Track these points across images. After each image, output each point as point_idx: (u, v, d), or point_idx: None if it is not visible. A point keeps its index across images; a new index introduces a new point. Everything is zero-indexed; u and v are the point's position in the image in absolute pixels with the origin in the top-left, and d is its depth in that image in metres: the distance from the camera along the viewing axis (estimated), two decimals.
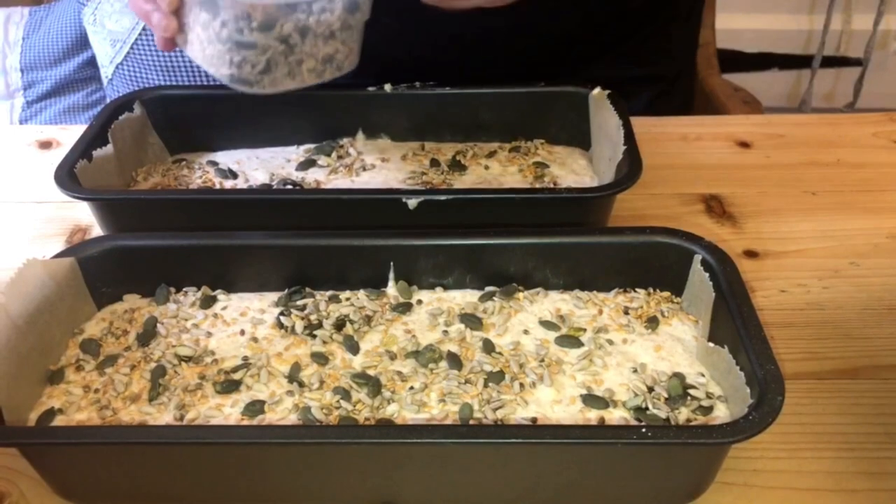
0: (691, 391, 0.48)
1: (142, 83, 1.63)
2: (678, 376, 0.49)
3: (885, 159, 0.76)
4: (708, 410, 0.47)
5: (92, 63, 1.68)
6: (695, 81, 1.25)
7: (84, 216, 0.71)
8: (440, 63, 0.74)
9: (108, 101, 1.72)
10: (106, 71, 1.66)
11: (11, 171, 0.79)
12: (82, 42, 1.68)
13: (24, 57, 1.70)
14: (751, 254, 0.66)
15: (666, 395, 0.47)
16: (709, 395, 0.47)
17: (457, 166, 0.70)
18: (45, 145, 0.83)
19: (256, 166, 0.72)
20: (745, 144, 0.80)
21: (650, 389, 0.48)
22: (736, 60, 2.16)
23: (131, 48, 1.59)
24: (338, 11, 0.56)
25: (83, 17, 1.62)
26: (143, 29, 1.58)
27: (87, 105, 1.77)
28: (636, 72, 0.86)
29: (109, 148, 0.67)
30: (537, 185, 0.67)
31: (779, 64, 2.26)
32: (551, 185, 0.67)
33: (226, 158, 0.73)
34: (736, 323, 0.47)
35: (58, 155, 0.81)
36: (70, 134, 0.84)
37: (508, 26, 0.78)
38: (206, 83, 1.59)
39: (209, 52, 0.57)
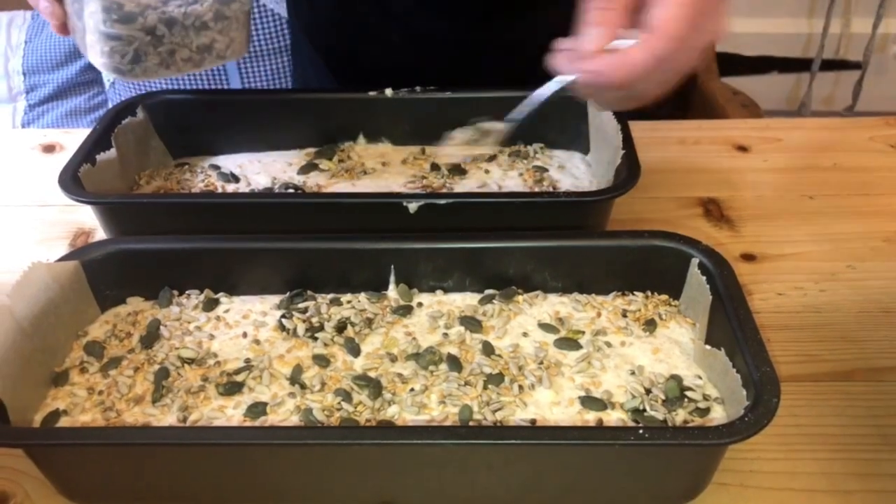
0: (688, 393, 0.48)
1: (144, 86, 1.64)
2: (675, 378, 0.49)
3: (882, 163, 0.77)
4: (705, 412, 0.47)
5: (94, 67, 1.69)
6: (693, 81, 1.26)
7: (87, 219, 0.71)
8: (426, 69, 0.75)
9: (110, 104, 1.74)
10: (108, 75, 1.67)
11: (15, 175, 0.79)
12: None
13: (27, 60, 1.70)
14: (748, 257, 0.66)
15: (663, 397, 0.48)
16: (706, 397, 0.48)
17: (457, 170, 0.70)
18: (49, 149, 0.84)
19: (258, 170, 0.72)
20: (742, 148, 0.80)
21: (648, 391, 0.48)
22: (736, 64, 2.17)
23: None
24: (207, 2, 0.59)
25: None
26: None
27: (89, 108, 1.77)
28: None
29: (113, 152, 0.67)
30: (537, 189, 0.68)
31: (778, 67, 2.26)
32: (550, 189, 0.68)
33: (228, 162, 0.74)
34: (732, 326, 0.48)
35: (61, 158, 0.82)
36: (73, 138, 0.85)
37: (490, 35, 0.79)
38: (207, 87, 1.60)
39: (87, 40, 0.59)
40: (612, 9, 0.52)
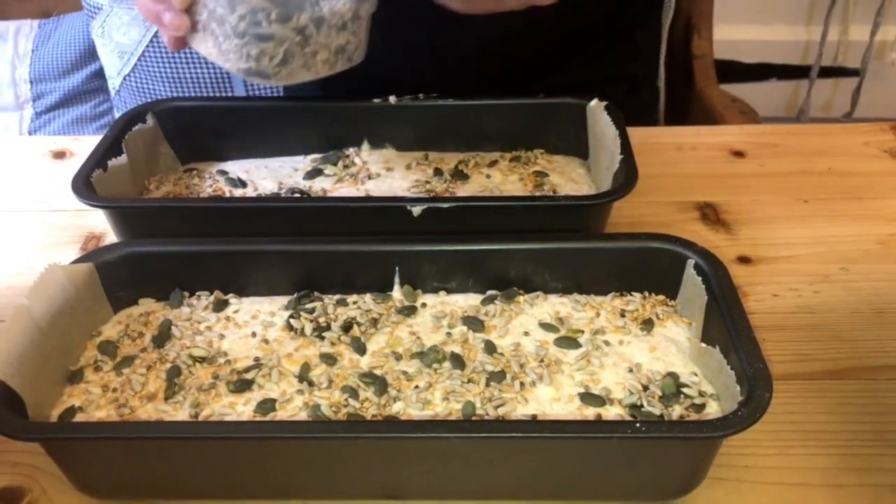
0: (684, 389, 0.50)
1: (149, 94, 1.66)
2: (672, 375, 0.51)
3: (876, 168, 0.79)
4: (700, 408, 0.49)
5: (100, 75, 1.71)
6: (692, 88, 1.28)
7: (98, 224, 0.73)
8: (416, 77, 0.76)
9: (115, 112, 1.75)
10: (113, 82, 1.69)
11: (27, 181, 0.81)
12: (90, 54, 1.71)
13: (34, 69, 1.72)
14: (744, 259, 0.68)
15: (660, 394, 0.49)
16: (701, 394, 0.50)
17: (459, 175, 0.72)
18: (59, 155, 0.85)
19: (265, 175, 0.74)
20: (739, 153, 0.82)
21: (645, 388, 0.50)
22: (735, 71, 2.19)
23: (139, 60, 1.61)
24: (350, 2, 0.58)
25: (92, 30, 1.65)
26: (151, 41, 1.60)
27: (95, 116, 1.79)
28: (603, 73, 0.88)
29: (123, 158, 0.69)
30: (537, 194, 0.70)
31: (777, 74, 2.28)
32: (551, 194, 0.70)
33: (235, 168, 0.76)
34: (727, 324, 0.49)
35: (71, 165, 0.84)
36: (82, 144, 0.87)
37: (479, 41, 0.80)
38: (213, 94, 1.62)
39: (225, 46, 0.58)
40: None
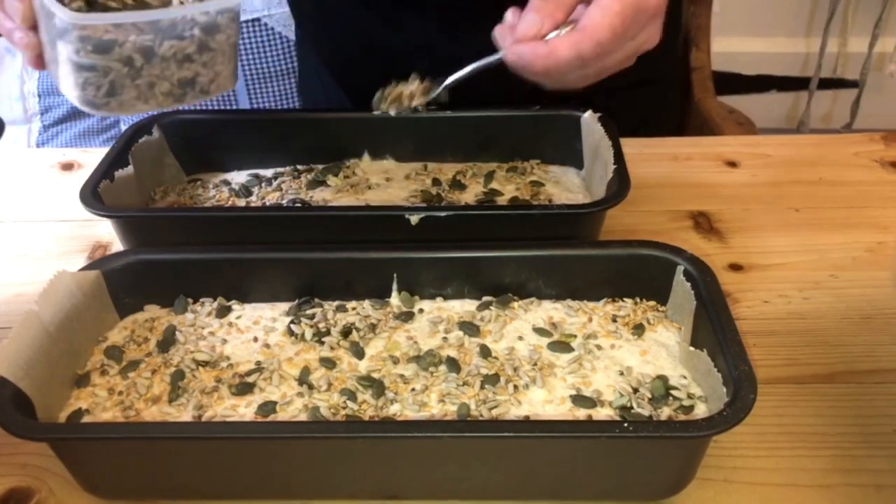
0: (673, 392, 0.51)
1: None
2: (661, 378, 0.52)
3: (865, 177, 0.80)
4: (689, 409, 0.50)
5: None
6: (690, 99, 1.29)
7: (105, 233, 0.75)
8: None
9: (121, 125, 1.78)
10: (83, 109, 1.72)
11: (36, 192, 0.83)
12: None
13: (42, 83, 1.75)
14: (736, 267, 0.69)
15: (650, 396, 0.51)
16: (690, 396, 0.51)
17: (457, 185, 0.74)
18: (67, 167, 0.87)
19: (267, 185, 0.76)
20: (732, 164, 0.83)
21: (635, 390, 0.51)
22: (735, 83, 2.21)
23: None
24: (192, 34, 0.55)
25: None
26: None
27: (101, 129, 1.82)
28: (622, 81, 0.89)
29: (130, 169, 0.71)
30: (533, 202, 0.71)
31: (777, 86, 2.30)
32: (546, 202, 0.71)
33: (238, 178, 0.77)
34: (715, 329, 0.50)
35: (79, 176, 0.85)
36: (90, 156, 0.89)
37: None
38: (216, 107, 1.65)
39: (60, 72, 0.55)
40: (555, 1, 0.55)
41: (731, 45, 2.15)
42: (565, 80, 0.58)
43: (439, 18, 0.82)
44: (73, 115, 1.79)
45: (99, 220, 0.74)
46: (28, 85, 1.76)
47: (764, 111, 2.19)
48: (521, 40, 0.56)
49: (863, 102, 2.26)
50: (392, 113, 0.74)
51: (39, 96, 1.75)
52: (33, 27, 0.56)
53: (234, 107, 1.65)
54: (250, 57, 1.53)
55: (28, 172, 0.87)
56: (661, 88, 0.97)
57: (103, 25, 0.53)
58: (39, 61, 0.58)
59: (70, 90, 0.55)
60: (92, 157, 0.89)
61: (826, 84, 2.29)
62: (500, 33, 0.59)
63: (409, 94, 0.72)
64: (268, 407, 0.51)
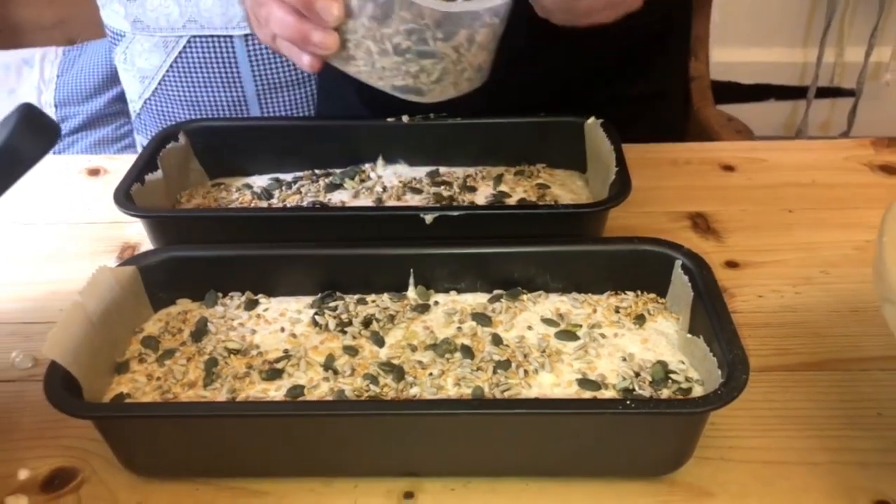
0: (672, 376, 0.55)
1: (168, 116, 1.73)
2: (661, 363, 0.56)
3: (855, 180, 0.84)
4: (687, 392, 0.54)
5: (121, 98, 1.78)
6: (690, 109, 1.34)
7: (133, 234, 0.79)
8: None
9: (135, 134, 1.82)
10: (134, 106, 1.76)
11: (65, 196, 0.87)
12: (112, 79, 1.78)
13: (59, 93, 1.79)
14: (732, 264, 0.73)
15: (650, 379, 0.55)
16: (688, 379, 0.55)
17: (467, 188, 0.78)
18: (94, 172, 0.91)
19: (287, 189, 0.80)
20: (729, 168, 0.87)
21: (637, 374, 0.55)
22: (734, 92, 2.25)
23: (159, 84, 1.69)
24: (495, 20, 0.59)
25: (115, 56, 1.72)
26: (171, 66, 1.67)
27: (116, 138, 1.86)
28: (636, 91, 0.94)
29: (159, 173, 0.75)
30: (540, 203, 0.75)
31: (775, 95, 2.34)
32: (552, 203, 0.75)
33: (259, 181, 0.82)
34: (710, 317, 0.54)
35: (104, 181, 0.90)
36: (115, 163, 0.93)
37: (520, 66, 0.86)
38: (230, 115, 1.69)
39: (380, 64, 0.59)
40: None
41: (729, 55, 2.19)
42: (586, 6, 0.60)
43: None
44: (89, 124, 1.83)
45: (126, 222, 0.78)
46: (45, 95, 1.80)
47: (763, 119, 2.23)
48: None
49: (859, 110, 2.30)
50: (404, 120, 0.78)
51: (56, 106, 1.80)
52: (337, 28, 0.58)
53: (247, 115, 1.69)
54: (262, 66, 1.58)
55: (56, 178, 0.91)
56: (669, 102, 1.01)
57: (448, 13, 0.56)
58: (320, 62, 0.60)
59: (396, 80, 0.59)
60: (116, 163, 0.93)
61: (823, 93, 2.33)
62: None
63: None
64: (296, 390, 0.55)
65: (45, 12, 1.86)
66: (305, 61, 0.60)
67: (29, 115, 0.44)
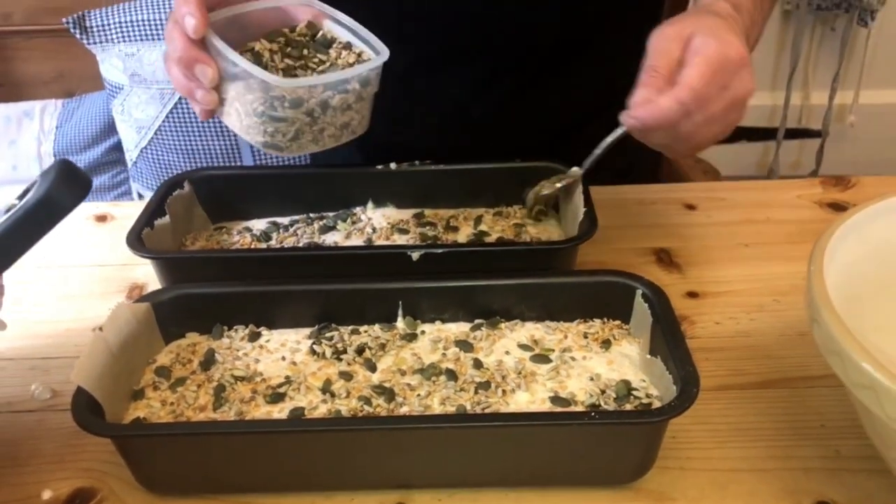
0: (634, 392, 0.61)
1: (164, 165, 1.80)
2: (625, 382, 0.62)
3: (806, 216, 0.92)
4: (647, 406, 0.60)
5: (118, 148, 1.85)
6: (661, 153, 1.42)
7: (140, 275, 0.85)
8: (444, 145, 0.89)
9: (132, 181, 1.88)
10: (131, 154, 1.83)
11: (75, 241, 0.92)
12: (110, 129, 1.86)
13: (58, 144, 1.86)
14: (692, 294, 0.80)
15: (615, 395, 0.61)
16: (648, 395, 0.61)
17: (450, 228, 0.85)
18: (101, 218, 0.97)
19: (284, 231, 0.86)
20: (691, 206, 0.95)
21: (602, 392, 0.62)
22: None
23: (155, 134, 1.76)
24: (354, 88, 0.68)
25: (112, 107, 1.80)
26: (167, 117, 1.75)
27: (113, 185, 1.93)
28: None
29: (166, 218, 0.81)
30: (516, 241, 0.82)
31: (747, 136, 2.44)
32: (528, 241, 0.82)
33: (258, 225, 0.88)
34: (667, 339, 0.61)
35: (112, 227, 0.96)
36: (121, 210, 0.99)
37: (507, 108, 0.93)
38: (223, 164, 1.76)
39: (245, 122, 0.68)
40: (657, 74, 0.66)
41: None
42: (679, 134, 0.66)
43: (460, 82, 0.93)
44: (87, 172, 1.89)
45: (134, 264, 0.84)
46: (45, 146, 1.87)
47: (736, 160, 2.32)
48: (633, 107, 0.67)
49: (826, 150, 2.40)
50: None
51: (55, 156, 1.87)
52: (215, 87, 0.67)
53: (240, 163, 1.76)
54: None
55: (66, 223, 0.96)
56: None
57: (293, 88, 0.66)
58: (210, 114, 0.69)
59: (257, 137, 0.68)
60: (122, 209, 0.99)
61: (792, 134, 2.43)
62: (622, 113, 0.68)
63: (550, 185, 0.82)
64: (297, 411, 0.61)
65: (46, 66, 1.94)
66: (196, 111, 0.70)
67: (66, 169, 0.51)
